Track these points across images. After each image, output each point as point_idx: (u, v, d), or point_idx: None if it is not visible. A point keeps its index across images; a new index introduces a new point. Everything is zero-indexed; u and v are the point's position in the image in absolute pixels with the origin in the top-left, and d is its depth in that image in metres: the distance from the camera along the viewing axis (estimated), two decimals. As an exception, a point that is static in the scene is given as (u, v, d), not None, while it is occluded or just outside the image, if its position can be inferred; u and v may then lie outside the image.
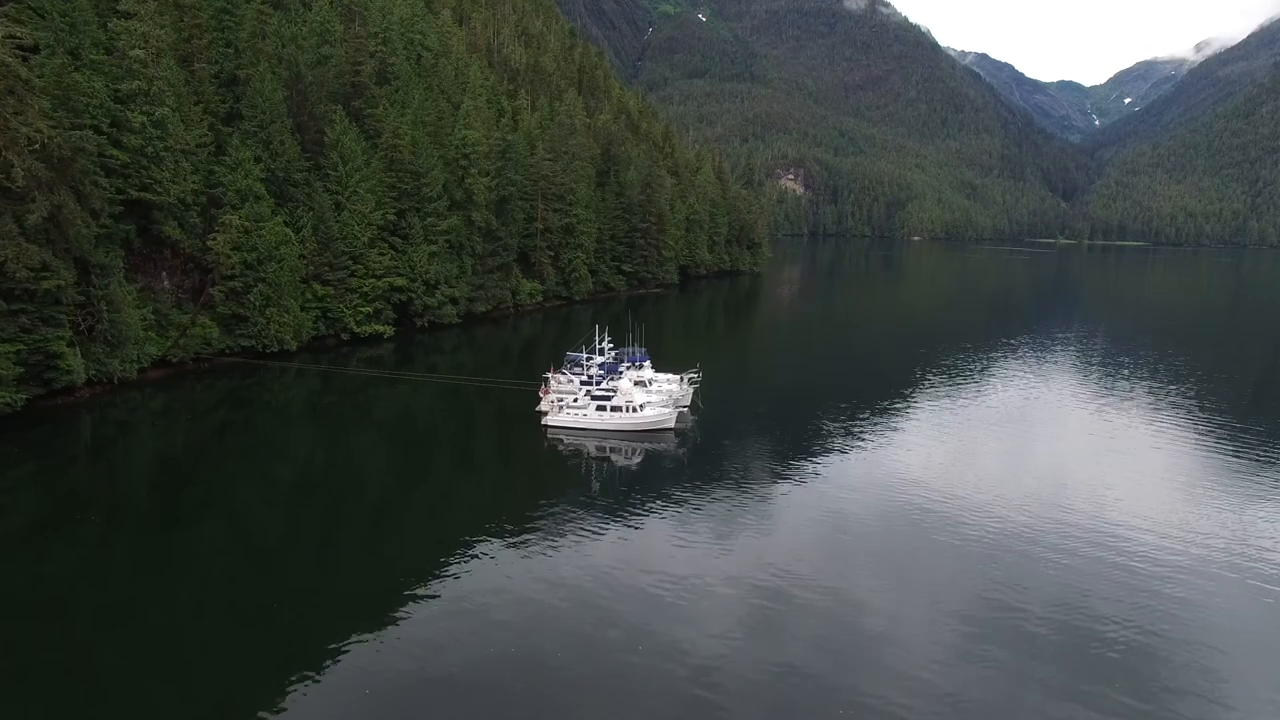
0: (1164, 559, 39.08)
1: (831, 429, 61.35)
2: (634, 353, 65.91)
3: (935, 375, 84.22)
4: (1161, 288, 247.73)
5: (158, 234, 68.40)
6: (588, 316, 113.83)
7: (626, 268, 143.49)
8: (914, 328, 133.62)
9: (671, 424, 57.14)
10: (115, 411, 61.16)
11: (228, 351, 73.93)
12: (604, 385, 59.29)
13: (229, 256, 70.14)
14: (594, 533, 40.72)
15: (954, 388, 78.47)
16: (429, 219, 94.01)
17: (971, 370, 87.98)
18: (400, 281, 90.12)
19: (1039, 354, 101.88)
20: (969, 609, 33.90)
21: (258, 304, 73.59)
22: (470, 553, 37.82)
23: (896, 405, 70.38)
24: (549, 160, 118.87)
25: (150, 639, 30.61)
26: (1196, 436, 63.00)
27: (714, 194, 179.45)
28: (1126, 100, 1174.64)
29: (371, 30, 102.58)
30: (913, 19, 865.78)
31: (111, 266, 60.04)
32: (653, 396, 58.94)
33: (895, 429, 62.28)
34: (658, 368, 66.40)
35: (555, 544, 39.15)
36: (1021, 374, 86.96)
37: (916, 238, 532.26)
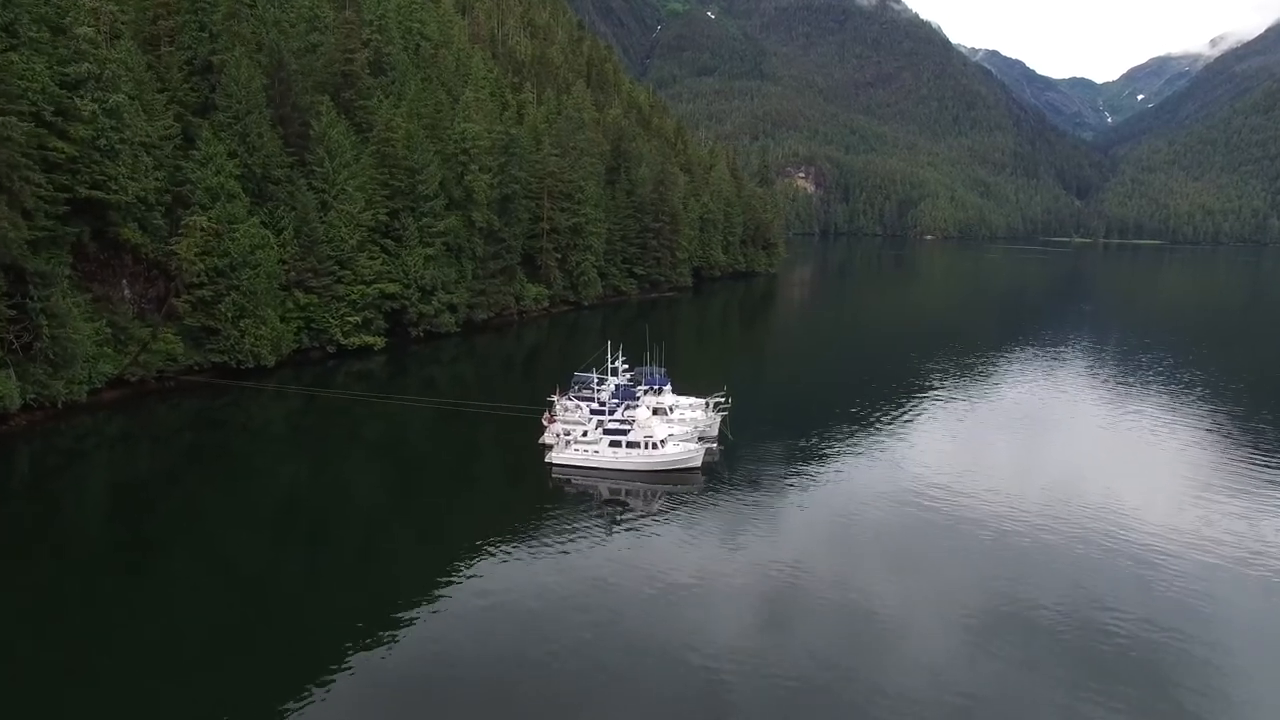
0: (1177, 559, 38.74)
1: (863, 448, 56.38)
2: (652, 374, 57.53)
3: (980, 380, 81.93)
4: (1178, 287, 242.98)
5: (115, 237, 60.92)
6: (597, 323, 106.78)
7: (638, 270, 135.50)
8: (930, 328, 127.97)
9: (698, 462, 48.53)
10: (61, 439, 54.16)
11: (196, 368, 66.10)
12: (618, 415, 51.01)
13: (194, 263, 62.32)
14: (605, 563, 37.60)
15: (994, 391, 78.16)
16: (425, 219, 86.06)
17: (1007, 373, 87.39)
18: (393, 288, 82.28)
19: (1054, 355, 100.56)
20: (993, 612, 33.74)
21: (230, 315, 65.78)
22: (464, 583, 35.52)
23: (922, 412, 67.53)
24: (556, 156, 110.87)
25: (126, 665, 29.24)
26: (1210, 438, 62.29)
27: (728, 192, 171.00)
28: (1140, 97, 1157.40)
29: (366, 18, 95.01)
30: (923, 15, 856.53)
31: (53, 274, 52.36)
32: (675, 429, 50.77)
33: (928, 439, 59.69)
34: (677, 386, 58.23)
35: (559, 569, 36.75)
36: (1040, 375, 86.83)
37: (929, 236, 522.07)
